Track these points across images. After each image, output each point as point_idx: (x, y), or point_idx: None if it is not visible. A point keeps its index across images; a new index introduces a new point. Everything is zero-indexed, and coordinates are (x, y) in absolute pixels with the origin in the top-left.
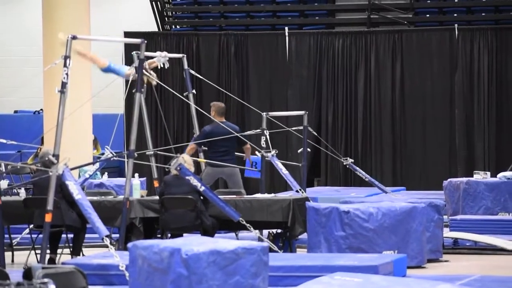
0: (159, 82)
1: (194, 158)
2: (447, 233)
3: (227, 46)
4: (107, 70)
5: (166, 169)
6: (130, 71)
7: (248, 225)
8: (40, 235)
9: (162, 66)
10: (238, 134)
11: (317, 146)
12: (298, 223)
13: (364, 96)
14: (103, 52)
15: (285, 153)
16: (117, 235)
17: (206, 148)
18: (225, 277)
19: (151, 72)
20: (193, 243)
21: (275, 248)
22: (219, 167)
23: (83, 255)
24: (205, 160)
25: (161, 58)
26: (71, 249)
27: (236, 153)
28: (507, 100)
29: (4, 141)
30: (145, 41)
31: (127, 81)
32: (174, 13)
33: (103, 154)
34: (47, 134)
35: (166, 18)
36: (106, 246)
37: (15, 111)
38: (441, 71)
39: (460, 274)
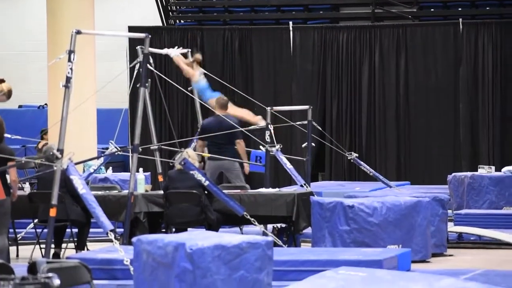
0: (163, 75)
1: (198, 153)
2: (452, 227)
3: (231, 41)
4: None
5: (171, 164)
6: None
7: (252, 219)
8: (45, 230)
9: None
10: (242, 129)
11: (321, 140)
12: (302, 217)
13: (368, 91)
14: (107, 47)
15: (290, 147)
16: (122, 230)
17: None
18: (230, 271)
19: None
20: (197, 238)
21: (280, 243)
22: (218, 160)
23: (87, 249)
24: (207, 154)
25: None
26: (76, 244)
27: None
28: None
29: (8, 135)
30: (150, 36)
31: (131, 76)
32: (178, 7)
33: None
34: (51, 128)
35: (170, 13)
36: (111, 241)
37: (20, 106)
38: (446, 66)
39: (464, 269)
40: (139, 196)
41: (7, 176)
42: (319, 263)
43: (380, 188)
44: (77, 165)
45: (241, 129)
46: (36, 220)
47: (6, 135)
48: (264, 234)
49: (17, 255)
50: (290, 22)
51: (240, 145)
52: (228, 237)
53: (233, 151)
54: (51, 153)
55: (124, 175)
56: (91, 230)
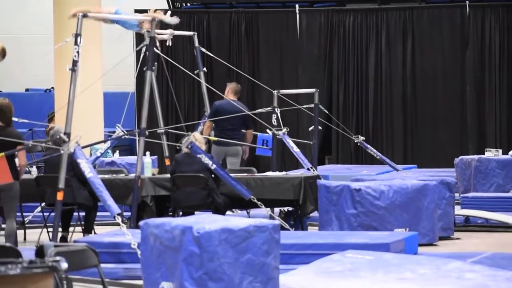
0: (169, 59)
1: (205, 136)
2: (459, 210)
3: (237, 24)
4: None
5: (177, 147)
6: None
7: (259, 203)
8: (52, 213)
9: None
10: (249, 112)
11: (328, 124)
12: (309, 201)
13: (375, 74)
14: (114, 30)
15: (296, 131)
16: (129, 213)
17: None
18: (237, 255)
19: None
20: (204, 221)
21: (287, 226)
22: (225, 146)
23: (95, 233)
24: (215, 138)
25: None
26: (83, 227)
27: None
28: None
29: (15, 119)
30: (156, 19)
31: (137, 59)
32: None
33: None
34: (58, 112)
35: None
36: (118, 224)
37: (26, 89)
38: (452, 49)
39: (471, 252)
40: (146, 180)
41: (16, 160)
42: (326, 247)
43: (387, 171)
44: (84, 149)
45: (248, 112)
46: (43, 204)
47: (13, 118)
48: (271, 217)
49: (25, 239)
50: (297, 5)
51: (249, 134)
52: (235, 220)
53: (240, 138)
54: (58, 136)
55: (131, 159)
56: (98, 213)
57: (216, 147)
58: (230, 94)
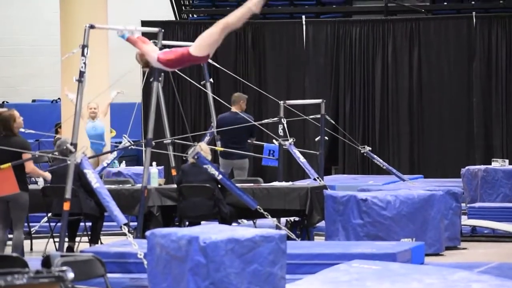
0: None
1: (211, 147)
2: (465, 220)
3: (244, 35)
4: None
5: (184, 158)
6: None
7: (265, 213)
8: (59, 224)
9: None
10: (255, 123)
11: (334, 134)
12: (316, 211)
13: (381, 85)
14: (121, 41)
15: (303, 141)
16: (135, 223)
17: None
18: (243, 265)
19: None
20: (211, 231)
21: (293, 236)
22: (231, 159)
23: (101, 243)
24: (221, 148)
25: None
26: (89, 237)
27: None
28: None
29: (22, 130)
30: (162, 30)
31: (144, 70)
32: (191, 1)
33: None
34: (65, 123)
35: (183, 7)
36: (124, 234)
37: (33, 100)
38: (459, 60)
39: (478, 262)
40: (153, 190)
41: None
42: (332, 257)
43: (394, 181)
44: (91, 159)
45: (254, 123)
46: (50, 214)
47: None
48: (278, 227)
49: (31, 249)
50: (303, 16)
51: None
52: (242, 230)
53: (246, 149)
54: (65, 147)
55: (138, 169)
56: (105, 223)
57: (223, 160)
58: (232, 105)
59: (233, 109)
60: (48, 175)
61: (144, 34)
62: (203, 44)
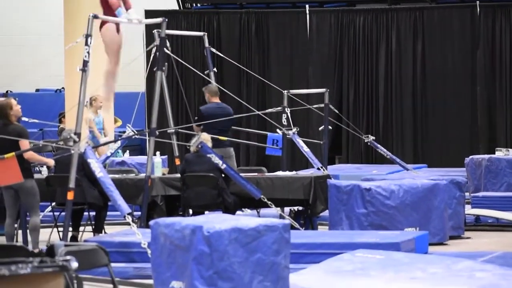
0: (179, 59)
1: (213, 136)
2: (469, 210)
3: (247, 24)
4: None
5: (188, 147)
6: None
7: (269, 202)
8: (63, 213)
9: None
10: (259, 112)
11: (338, 123)
12: (319, 200)
13: (385, 74)
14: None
15: (306, 130)
16: (139, 213)
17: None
18: (247, 254)
19: None
20: (214, 221)
21: (297, 226)
22: (216, 148)
23: (105, 232)
24: (224, 138)
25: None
26: (93, 227)
27: (258, 131)
28: None
29: (26, 119)
30: (166, 20)
31: (148, 59)
32: None
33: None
34: (68, 112)
35: None
36: (128, 224)
37: (37, 90)
38: (463, 49)
39: (482, 251)
40: (156, 180)
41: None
42: (336, 246)
43: (397, 171)
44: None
45: (257, 112)
46: (53, 204)
47: (23, 118)
48: (281, 217)
49: None
50: (307, 5)
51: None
52: (245, 220)
53: (231, 137)
54: (69, 136)
55: (141, 159)
56: (109, 213)
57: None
58: (210, 97)
59: (213, 100)
60: (49, 161)
61: (148, 24)
62: None
